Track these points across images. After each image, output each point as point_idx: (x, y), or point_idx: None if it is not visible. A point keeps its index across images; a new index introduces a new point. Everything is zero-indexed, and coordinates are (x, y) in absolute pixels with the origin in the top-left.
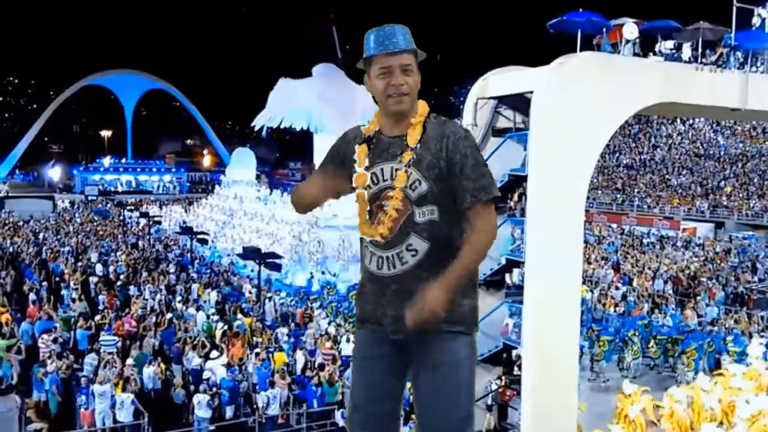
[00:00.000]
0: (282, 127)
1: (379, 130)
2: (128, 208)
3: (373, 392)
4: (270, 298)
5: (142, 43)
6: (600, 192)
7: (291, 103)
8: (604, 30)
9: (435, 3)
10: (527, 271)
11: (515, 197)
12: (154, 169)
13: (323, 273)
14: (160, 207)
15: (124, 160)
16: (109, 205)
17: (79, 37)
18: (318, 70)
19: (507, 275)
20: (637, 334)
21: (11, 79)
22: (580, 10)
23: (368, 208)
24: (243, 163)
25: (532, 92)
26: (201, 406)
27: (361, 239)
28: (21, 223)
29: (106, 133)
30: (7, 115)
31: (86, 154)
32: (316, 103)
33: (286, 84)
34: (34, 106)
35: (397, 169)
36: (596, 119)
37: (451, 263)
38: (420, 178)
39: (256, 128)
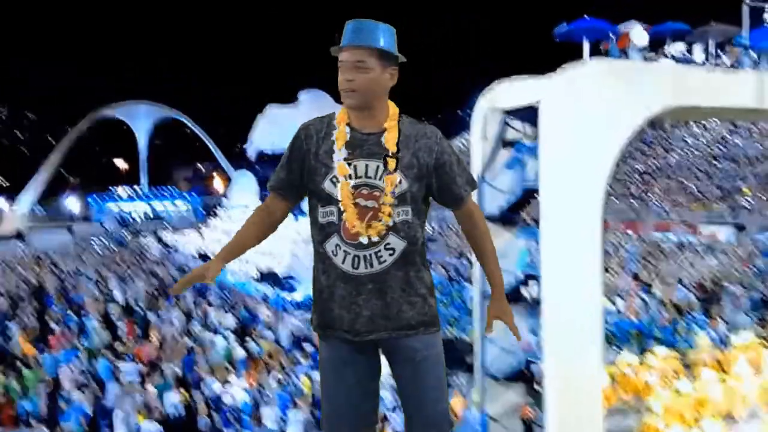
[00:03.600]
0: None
1: (349, 123)
2: (143, 235)
3: (351, 395)
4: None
5: (151, 73)
6: (616, 200)
7: (278, 127)
8: (612, 36)
9: (439, 11)
10: (544, 285)
11: (529, 209)
12: (168, 195)
13: None
14: (174, 233)
15: (138, 188)
16: (125, 233)
17: (91, 69)
18: (303, 96)
19: (523, 288)
20: None
21: (29, 114)
22: (586, 17)
23: (354, 202)
24: (244, 186)
25: (540, 102)
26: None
27: (325, 238)
28: (42, 255)
29: (120, 163)
30: (24, 149)
31: (102, 183)
32: None
33: (272, 110)
34: (51, 140)
35: (381, 174)
36: (609, 127)
37: (417, 260)
38: (401, 177)
39: (248, 153)
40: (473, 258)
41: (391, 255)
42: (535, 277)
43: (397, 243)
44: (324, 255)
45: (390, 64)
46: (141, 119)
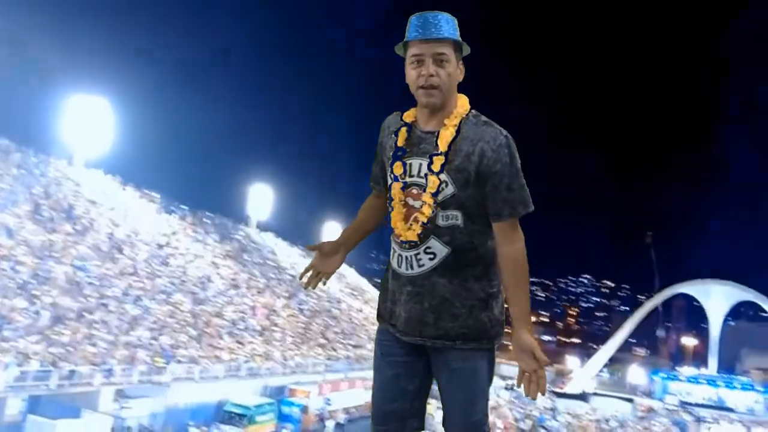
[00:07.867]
0: None
1: (415, 120)
2: (707, 423)
3: (386, 390)
4: None
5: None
6: None
7: None
8: None
9: None
10: None
11: None
12: (737, 385)
13: None
14: (747, 428)
15: (704, 371)
16: (687, 417)
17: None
18: None
19: None
20: None
21: (607, 282)
22: None
23: (403, 201)
24: None
25: None
26: None
27: (392, 232)
28: (602, 420)
29: (689, 341)
30: (599, 314)
31: (668, 360)
32: None
33: None
34: (626, 308)
35: (426, 173)
36: None
37: (469, 270)
38: (447, 180)
39: None
40: None
41: (431, 260)
42: None
43: (439, 248)
44: (391, 246)
45: (460, 57)
46: (718, 299)
